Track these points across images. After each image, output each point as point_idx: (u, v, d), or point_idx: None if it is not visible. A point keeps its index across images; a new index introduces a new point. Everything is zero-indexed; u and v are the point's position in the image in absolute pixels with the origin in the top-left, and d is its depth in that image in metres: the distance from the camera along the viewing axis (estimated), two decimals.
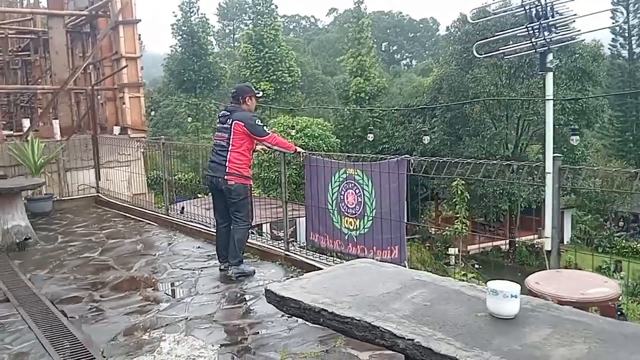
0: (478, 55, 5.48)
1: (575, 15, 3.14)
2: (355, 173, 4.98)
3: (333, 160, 5.33)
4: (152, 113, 37.78)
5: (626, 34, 39.36)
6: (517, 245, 29.99)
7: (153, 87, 51.10)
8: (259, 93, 5.55)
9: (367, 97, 32.76)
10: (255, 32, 37.62)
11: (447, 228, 27.81)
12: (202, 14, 41.18)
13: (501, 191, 26.41)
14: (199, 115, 37.19)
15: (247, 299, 4.84)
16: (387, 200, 4.70)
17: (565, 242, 33.90)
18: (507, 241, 30.04)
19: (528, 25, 3.28)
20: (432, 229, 29.75)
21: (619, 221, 34.42)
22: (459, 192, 19.63)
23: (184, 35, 38.88)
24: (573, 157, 27.93)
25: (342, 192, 5.11)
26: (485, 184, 24.20)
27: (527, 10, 3.27)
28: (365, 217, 4.87)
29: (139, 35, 11.43)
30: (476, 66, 27.44)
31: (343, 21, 69.88)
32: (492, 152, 28.31)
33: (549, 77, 3.45)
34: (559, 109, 26.15)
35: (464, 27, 30.44)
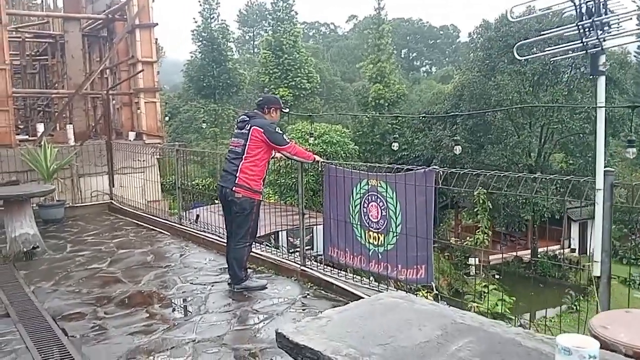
0: (519, 57, 5.07)
1: (634, 11, 2.74)
2: (379, 184, 4.61)
3: (354, 171, 4.95)
4: (167, 119, 37.83)
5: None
6: (539, 255, 29.24)
7: (174, 93, 51.36)
8: (285, 108, 5.35)
9: (386, 104, 32.39)
10: (274, 39, 37.56)
11: (467, 238, 27.21)
12: (222, 20, 41.34)
13: (524, 200, 25.73)
14: (217, 121, 37.19)
15: (259, 320, 4.49)
16: (413, 214, 4.32)
17: (588, 253, 33.08)
18: (530, 251, 29.33)
19: (579, 24, 2.89)
20: (452, 238, 29.17)
21: None
22: (481, 201, 19.08)
23: (204, 42, 38.99)
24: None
25: (365, 205, 4.74)
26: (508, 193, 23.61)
27: (578, 7, 2.88)
28: (390, 233, 4.49)
29: (156, 39, 11.23)
30: (499, 73, 26.91)
31: (363, 28, 69.68)
32: (515, 160, 27.70)
33: (601, 81, 3.06)
34: (585, 117, 25.48)
35: (486, 34, 29.94)
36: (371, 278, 5.19)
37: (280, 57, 37.00)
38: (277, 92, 33.19)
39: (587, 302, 23.05)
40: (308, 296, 5.00)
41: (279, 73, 37.07)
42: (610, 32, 2.98)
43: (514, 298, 15.97)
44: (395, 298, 2.10)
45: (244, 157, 4.96)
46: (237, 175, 4.96)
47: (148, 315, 4.63)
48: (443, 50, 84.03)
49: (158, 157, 10.36)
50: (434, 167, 4.24)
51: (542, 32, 3.22)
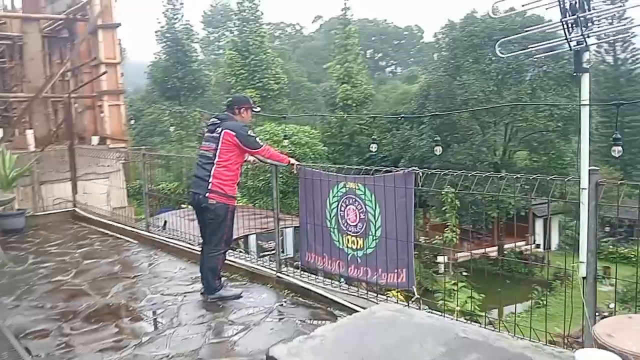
0: (501, 55, 5.02)
1: (621, 7, 2.69)
2: (356, 187, 4.49)
3: (331, 173, 4.82)
4: (132, 122, 37.03)
5: (611, 40, 39.57)
6: (505, 252, 29.74)
7: (137, 95, 50.32)
8: (256, 107, 5.16)
9: (354, 104, 32.44)
10: (240, 39, 37.18)
11: (436, 236, 27.44)
12: (186, 20, 40.64)
13: (490, 198, 26.12)
14: (182, 123, 36.57)
15: (236, 331, 4.31)
16: (392, 217, 4.22)
17: (552, 249, 33.83)
18: (497, 248, 29.80)
19: (563, 20, 2.83)
20: (421, 237, 29.37)
21: (605, 226, 34.35)
22: (450, 200, 19.25)
23: (168, 42, 38.30)
24: (562, 164, 27.86)
25: (342, 208, 4.62)
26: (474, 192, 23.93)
27: (562, 3, 2.82)
28: (370, 236, 4.37)
29: (119, 40, 10.88)
30: (464, 72, 27.30)
31: (329, 28, 69.78)
32: (481, 158, 28.12)
33: (585, 79, 3.00)
34: (548, 115, 26.07)
35: (451, 34, 30.33)
36: (341, 280, 5.11)
37: (246, 58, 36.63)
38: (244, 93, 32.83)
39: (553, 297, 23.62)
40: (285, 304, 4.86)
41: (245, 74, 36.69)
42: (592, 30, 2.93)
43: (483, 295, 16.18)
44: (391, 311, 1.99)
45: (215, 161, 4.79)
46: (210, 180, 4.78)
47: (117, 330, 4.40)
48: (408, 51, 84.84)
49: (123, 161, 10.02)
50: (414, 168, 4.15)
51: (526, 29, 3.16)
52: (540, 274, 27.56)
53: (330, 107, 34.14)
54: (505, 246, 30.24)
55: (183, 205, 23.61)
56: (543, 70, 26.82)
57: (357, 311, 4.38)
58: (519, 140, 29.67)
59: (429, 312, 2.06)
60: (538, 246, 32.97)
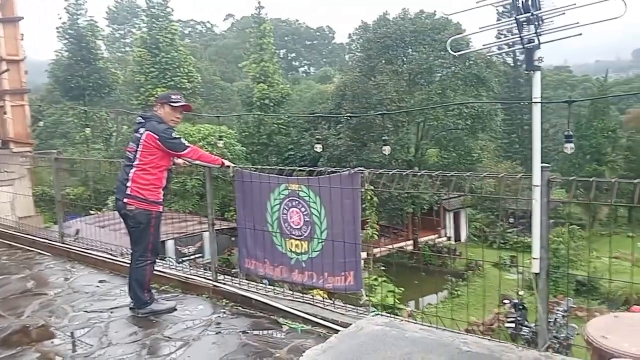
0: (452, 53, 5.05)
1: (573, 5, 2.72)
2: (299, 189, 4.31)
3: (271, 175, 4.61)
4: (41, 124, 34.49)
5: (505, 46, 42.14)
6: (420, 245, 30.82)
7: (35, 96, 46.85)
8: (174, 102, 4.66)
9: (271, 104, 32.14)
10: (150, 36, 35.56)
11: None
12: (90, 17, 38.31)
13: (406, 195, 26.89)
14: (89, 124, 34.46)
15: (174, 348, 3.98)
16: (339, 219, 4.08)
17: (462, 240, 35.54)
18: (412, 242, 30.79)
19: (517, 17, 2.82)
20: None
21: (509, 218, 36.56)
22: (369, 197, 19.52)
23: (71, 39, 35.95)
24: (470, 160, 29.26)
25: (285, 211, 4.42)
26: (389, 188, 24.55)
27: (515, 1, 2.81)
28: (315, 239, 4.21)
29: (22, 35, 9.93)
30: (378, 73, 27.88)
31: (241, 27, 68.91)
32: (395, 157, 28.85)
33: (537, 76, 3.02)
34: (457, 113, 27.26)
35: (365, 35, 30.91)
36: (264, 281, 4.93)
37: (156, 56, 35.11)
38: (154, 92, 31.44)
39: (466, 287, 24.76)
40: (224, 315, 4.58)
41: (156, 72, 35.14)
42: (543, 27, 2.95)
43: (402, 288, 16.59)
44: (380, 325, 1.83)
45: (135, 164, 4.45)
46: (128, 185, 4.45)
47: (39, 354, 3.93)
48: (320, 51, 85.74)
49: (28, 167, 9.16)
50: (360, 168, 4.05)
51: (481, 28, 3.13)
52: (452, 265, 28.83)
53: (247, 107, 33.59)
54: (420, 240, 31.31)
55: (91, 212, 22.27)
56: (452, 71, 28.02)
57: (302, 317, 4.24)
58: (430, 138, 30.82)
59: (416, 322, 1.93)
60: (449, 238, 34.48)
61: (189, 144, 4.58)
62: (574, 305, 18.12)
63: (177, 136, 4.52)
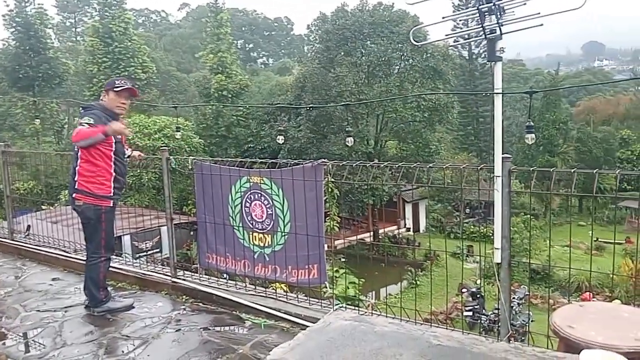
0: (416, 43, 5.05)
1: None
2: (261, 181, 4.23)
3: (232, 167, 4.50)
4: None
5: (466, 36, 42.90)
6: (380, 237, 31.13)
7: None
8: (117, 87, 4.33)
9: (229, 95, 31.72)
10: (102, 25, 34.50)
11: None
12: (38, 4, 36.80)
13: (366, 187, 27.09)
14: (39, 116, 33.17)
15: (133, 346, 3.85)
16: (302, 211, 4.02)
17: (421, 231, 36.14)
18: (372, 234, 31.08)
19: (479, 7, 2.81)
20: None
21: (466, 208, 37.35)
22: (330, 189, 19.56)
23: (19, 28, 34.47)
24: (428, 152, 29.68)
25: (247, 204, 4.32)
26: (352, 180, 24.71)
27: None
28: (278, 233, 4.14)
29: None
30: (337, 65, 27.89)
31: (197, 16, 67.67)
32: (355, 149, 28.99)
33: (498, 67, 3.03)
34: (415, 106, 27.58)
35: (324, 27, 30.82)
36: (225, 275, 4.85)
37: (109, 45, 34.10)
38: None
39: (425, 277, 25.17)
40: (184, 311, 4.47)
41: (109, 62, 34.15)
42: (504, 18, 2.96)
43: (362, 280, 16.76)
44: (348, 320, 1.78)
45: (78, 155, 4.22)
46: (76, 179, 4.24)
47: None
48: (278, 42, 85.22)
49: None
50: (323, 160, 3.99)
51: (444, 17, 3.11)
52: (411, 256, 29.29)
53: (205, 98, 33.02)
54: (380, 231, 31.65)
55: (43, 207, 21.46)
56: (410, 64, 28.31)
57: (265, 312, 4.17)
58: (389, 130, 31.08)
59: (383, 315, 1.90)
60: (409, 230, 34.98)
61: (79, 130, 4.11)
62: (529, 293, 18.69)
63: (83, 124, 4.10)
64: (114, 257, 4.91)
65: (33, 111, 34.31)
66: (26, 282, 5.38)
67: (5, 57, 35.06)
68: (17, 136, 37.23)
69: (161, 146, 20.88)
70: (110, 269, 4.72)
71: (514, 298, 14.70)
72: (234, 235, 4.42)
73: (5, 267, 5.94)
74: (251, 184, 4.29)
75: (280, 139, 17.84)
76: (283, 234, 4.13)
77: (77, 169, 4.22)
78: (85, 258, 4.58)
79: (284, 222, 4.12)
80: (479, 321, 15.09)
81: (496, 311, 13.84)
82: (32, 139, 34.89)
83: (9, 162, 7.18)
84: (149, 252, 18.97)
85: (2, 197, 6.91)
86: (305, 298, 4.26)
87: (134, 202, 24.27)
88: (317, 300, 4.18)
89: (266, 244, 4.26)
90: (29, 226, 7.48)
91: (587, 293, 18.30)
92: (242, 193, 4.34)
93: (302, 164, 4.05)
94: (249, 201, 4.31)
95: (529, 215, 24.60)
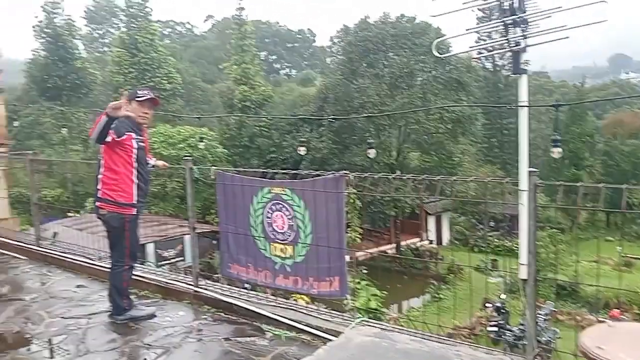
0: (439, 55, 5.02)
1: (558, 8, 2.70)
2: (283, 192, 4.24)
3: (253, 178, 4.53)
4: (16, 124, 33.84)
5: (490, 48, 42.59)
6: (402, 249, 30.88)
7: (11, 96, 45.97)
8: (140, 97, 4.39)
9: (253, 106, 32.00)
10: (129, 36, 35.19)
11: None
12: (67, 16, 37.73)
13: (388, 198, 26.91)
14: (67, 124, 33.92)
15: (155, 355, 3.87)
16: (323, 223, 4.02)
17: (444, 244, 35.73)
18: (395, 246, 30.85)
19: (503, 19, 2.79)
20: None
21: (490, 222, 36.84)
22: (352, 200, 19.55)
23: (48, 39, 35.41)
24: (452, 164, 29.42)
25: (269, 215, 4.34)
26: (374, 191, 24.61)
27: (501, 3, 2.78)
28: (300, 244, 4.14)
29: None
30: (360, 76, 27.91)
31: (222, 28, 68.55)
32: (377, 160, 28.88)
33: (523, 80, 2.99)
34: (438, 117, 27.39)
35: (346, 38, 30.94)
36: (248, 287, 4.83)
37: (135, 56, 34.75)
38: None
39: (448, 290, 24.85)
40: (206, 321, 4.48)
41: (135, 73, 34.77)
42: (529, 30, 2.93)
43: (385, 292, 16.59)
44: (369, 336, 1.76)
45: (102, 163, 4.28)
46: (99, 187, 4.30)
47: None
48: (301, 54, 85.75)
49: (3, 168, 8.91)
50: (345, 171, 3.98)
51: (468, 29, 3.10)
52: (435, 268, 28.95)
53: (228, 109, 33.37)
54: (402, 243, 31.39)
55: (69, 214, 21.85)
56: (432, 75, 28.17)
57: (286, 324, 4.15)
58: (412, 141, 30.90)
59: (404, 330, 1.87)
60: (431, 242, 34.62)
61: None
62: (555, 309, 18.30)
63: (114, 126, 4.03)
64: (137, 265, 4.96)
65: (61, 120, 35.10)
66: (52, 289, 5.47)
67: (35, 67, 35.96)
68: (45, 144, 38.09)
69: (185, 156, 21.18)
70: (133, 276, 4.77)
71: (539, 314, 14.41)
72: (256, 246, 4.43)
73: (31, 274, 6.05)
74: (273, 194, 4.30)
75: (302, 150, 17.80)
76: (304, 245, 4.13)
77: (100, 177, 4.28)
78: (109, 266, 4.64)
79: (305, 233, 4.12)
80: (503, 337, 14.80)
81: (521, 327, 13.56)
82: (59, 147, 35.66)
83: (37, 170, 7.35)
84: (172, 261, 19.15)
85: (30, 204, 7.06)
86: (327, 310, 4.24)
87: (158, 211, 24.59)
88: (338, 313, 4.15)
89: (287, 255, 4.25)
90: (55, 233, 7.62)
91: (616, 310, 17.83)
92: (264, 204, 4.35)
93: (323, 175, 4.05)
94: (271, 212, 4.32)
95: (555, 230, 24.15)
